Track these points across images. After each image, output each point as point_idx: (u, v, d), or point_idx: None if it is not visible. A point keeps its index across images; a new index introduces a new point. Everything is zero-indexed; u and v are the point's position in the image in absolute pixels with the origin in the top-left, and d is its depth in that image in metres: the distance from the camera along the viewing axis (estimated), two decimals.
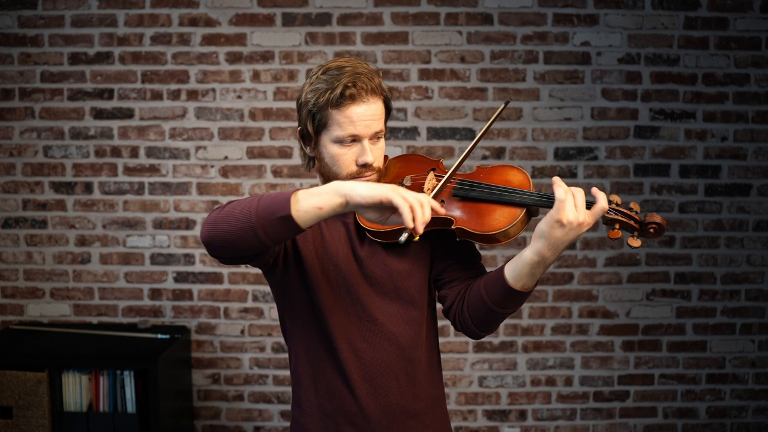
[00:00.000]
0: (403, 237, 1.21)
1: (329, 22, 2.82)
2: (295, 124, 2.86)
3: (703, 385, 2.95)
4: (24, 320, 2.95)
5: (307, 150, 1.48)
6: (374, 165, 1.41)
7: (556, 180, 1.28)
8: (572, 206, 1.24)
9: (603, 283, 2.91)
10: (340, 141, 1.39)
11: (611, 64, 2.83)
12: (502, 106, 1.49)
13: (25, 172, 2.90)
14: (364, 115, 1.37)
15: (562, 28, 2.82)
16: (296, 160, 2.87)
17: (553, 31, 2.82)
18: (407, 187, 1.45)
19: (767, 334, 2.93)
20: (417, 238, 1.34)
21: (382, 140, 1.44)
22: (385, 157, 1.51)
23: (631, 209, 1.31)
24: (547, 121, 2.86)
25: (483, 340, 2.92)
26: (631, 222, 1.29)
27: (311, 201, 1.21)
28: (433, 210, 1.22)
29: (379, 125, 1.40)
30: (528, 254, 1.30)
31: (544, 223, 1.27)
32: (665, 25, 2.81)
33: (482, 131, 1.43)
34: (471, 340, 2.92)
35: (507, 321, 2.91)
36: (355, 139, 1.39)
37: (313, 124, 1.41)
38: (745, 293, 2.91)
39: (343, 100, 1.36)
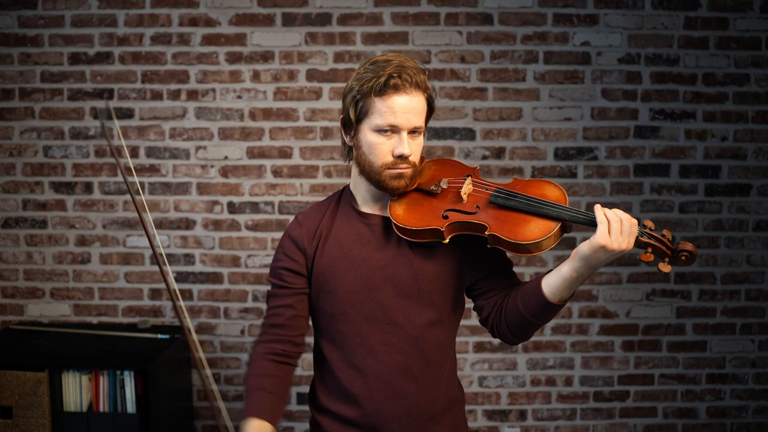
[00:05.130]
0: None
1: (329, 22, 2.82)
2: (296, 124, 2.86)
3: (703, 385, 2.95)
4: (24, 320, 2.95)
5: (347, 139, 1.49)
6: (410, 158, 1.42)
7: (599, 209, 1.30)
8: (618, 233, 1.27)
9: (603, 283, 2.91)
10: (379, 130, 1.40)
11: (611, 64, 2.83)
12: None
13: (25, 172, 2.90)
14: (406, 106, 1.38)
15: (562, 28, 2.82)
16: (296, 160, 2.87)
17: (553, 31, 2.82)
18: (443, 189, 1.46)
19: (767, 334, 2.93)
20: (447, 240, 1.37)
21: (421, 138, 1.45)
22: (422, 158, 1.51)
23: (663, 236, 1.33)
24: (547, 121, 2.86)
25: (483, 339, 2.92)
26: (664, 248, 1.32)
27: None
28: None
29: (419, 120, 1.41)
30: (566, 271, 1.32)
31: (587, 247, 1.28)
32: (665, 25, 2.81)
33: None
34: (471, 340, 2.92)
35: None
36: (394, 129, 1.40)
37: (355, 111, 1.43)
38: (745, 293, 2.91)
39: (386, 88, 1.38)
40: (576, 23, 2.82)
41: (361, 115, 1.42)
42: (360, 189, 1.50)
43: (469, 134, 2.86)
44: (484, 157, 2.86)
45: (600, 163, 2.86)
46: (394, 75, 1.38)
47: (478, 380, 2.95)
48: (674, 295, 2.92)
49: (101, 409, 2.53)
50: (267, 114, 2.86)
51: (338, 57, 2.83)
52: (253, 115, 2.86)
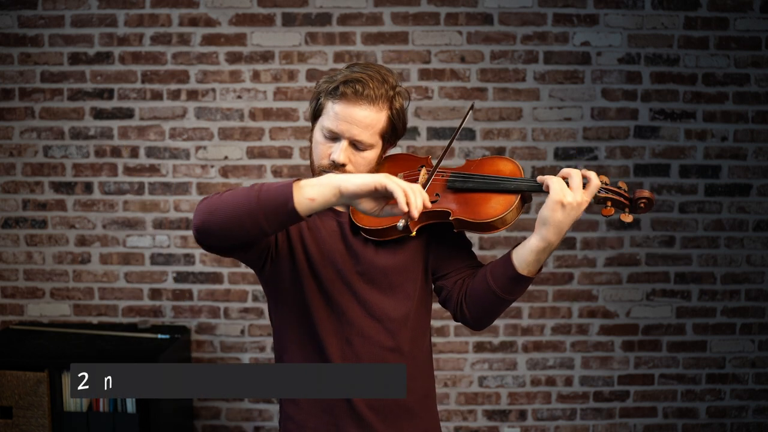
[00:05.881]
0: (401, 223, 1.24)
1: (329, 22, 2.82)
2: (296, 124, 2.86)
3: (703, 385, 2.95)
4: (24, 320, 2.95)
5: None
6: (346, 168, 1.41)
7: (543, 177, 1.34)
8: (567, 188, 1.31)
9: (603, 283, 2.91)
10: (323, 131, 1.42)
11: (611, 64, 2.83)
12: (469, 108, 1.56)
13: (25, 172, 2.90)
14: (349, 116, 1.38)
15: (562, 28, 2.82)
16: (296, 160, 2.87)
17: (553, 31, 2.82)
18: None
19: (767, 334, 2.93)
20: (413, 233, 1.36)
21: (370, 153, 1.43)
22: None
23: (619, 187, 1.38)
24: (547, 121, 2.86)
25: (483, 339, 2.92)
26: (622, 199, 1.36)
27: (306, 191, 1.23)
28: (423, 201, 1.23)
29: (361, 134, 1.39)
30: (533, 241, 1.34)
31: (545, 209, 1.32)
32: (665, 25, 2.81)
33: (455, 132, 1.51)
34: (471, 340, 2.92)
35: (507, 321, 2.91)
36: (335, 135, 1.40)
37: (314, 107, 1.45)
38: (745, 293, 2.91)
39: (336, 93, 1.39)
40: (576, 23, 2.82)
41: (317, 113, 1.44)
42: None
43: (469, 134, 2.86)
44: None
45: (600, 163, 2.86)
46: (350, 82, 1.38)
47: (478, 380, 2.95)
48: (674, 295, 2.92)
49: (101, 409, 2.53)
50: (267, 114, 2.86)
51: (338, 57, 2.83)
52: (253, 115, 2.86)
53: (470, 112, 1.55)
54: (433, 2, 2.81)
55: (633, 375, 2.94)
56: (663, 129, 2.85)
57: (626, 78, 2.83)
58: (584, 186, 1.33)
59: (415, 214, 1.20)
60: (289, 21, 2.82)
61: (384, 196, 1.23)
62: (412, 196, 1.20)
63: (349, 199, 1.23)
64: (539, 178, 1.34)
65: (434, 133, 2.86)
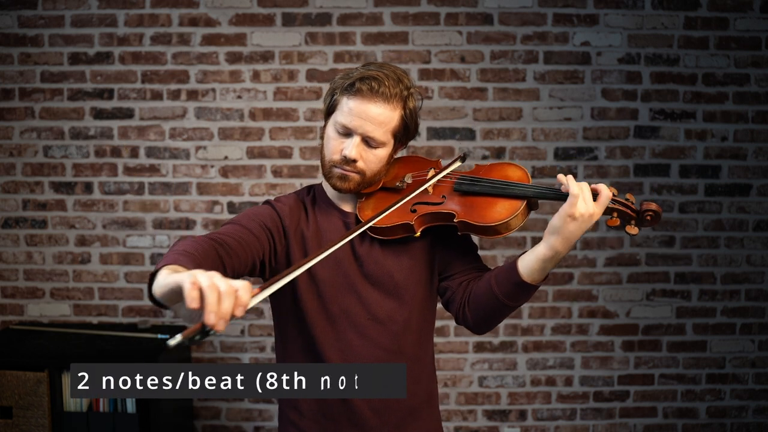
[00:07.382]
0: (173, 340, 0.90)
1: (329, 22, 2.82)
2: (296, 124, 2.86)
3: (703, 385, 2.95)
4: (24, 320, 2.95)
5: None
6: (357, 164, 1.42)
7: (565, 177, 1.31)
8: (583, 201, 1.28)
9: (603, 283, 2.91)
10: (336, 127, 1.42)
11: (611, 64, 2.83)
12: (457, 158, 1.53)
13: (25, 172, 2.90)
14: (363, 112, 1.39)
15: (562, 28, 2.82)
16: (296, 160, 2.87)
17: (553, 31, 2.82)
18: (408, 184, 1.48)
19: (767, 334, 2.93)
20: (418, 233, 1.31)
21: (382, 151, 1.44)
22: (381, 171, 1.50)
23: (627, 199, 1.37)
24: (547, 121, 2.86)
25: (483, 339, 2.92)
26: (628, 211, 1.35)
27: (153, 288, 1.08)
28: (239, 303, 0.93)
29: (374, 131, 1.40)
30: (541, 249, 1.33)
31: (557, 219, 1.30)
32: (665, 25, 2.81)
33: (439, 174, 1.48)
34: (471, 340, 2.92)
35: (507, 321, 2.91)
36: (348, 131, 1.41)
37: (328, 104, 1.46)
38: (745, 293, 2.91)
39: (352, 89, 1.39)
40: (576, 23, 2.82)
41: (331, 109, 1.45)
42: (330, 186, 1.51)
43: (469, 134, 2.86)
44: (484, 157, 2.86)
45: (600, 163, 2.86)
46: (366, 79, 1.39)
47: (478, 380, 2.95)
48: (674, 295, 2.92)
49: (101, 409, 2.53)
50: (267, 114, 2.86)
51: (338, 57, 2.83)
52: (253, 115, 2.86)
53: (458, 160, 1.53)
54: (433, 2, 2.81)
55: (633, 375, 2.94)
56: (663, 129, 2.85)
57: (626, 78, 2.83)
58: (595, 198, 1.31)
59: (212, 319, 0.90)
60: (289, 21, 2.82)
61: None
62: (212, 299, 0.90)
63: (170, 304, 1.04)
64: (559, 176, 1.32)
65: (434, 133, 2.86)
